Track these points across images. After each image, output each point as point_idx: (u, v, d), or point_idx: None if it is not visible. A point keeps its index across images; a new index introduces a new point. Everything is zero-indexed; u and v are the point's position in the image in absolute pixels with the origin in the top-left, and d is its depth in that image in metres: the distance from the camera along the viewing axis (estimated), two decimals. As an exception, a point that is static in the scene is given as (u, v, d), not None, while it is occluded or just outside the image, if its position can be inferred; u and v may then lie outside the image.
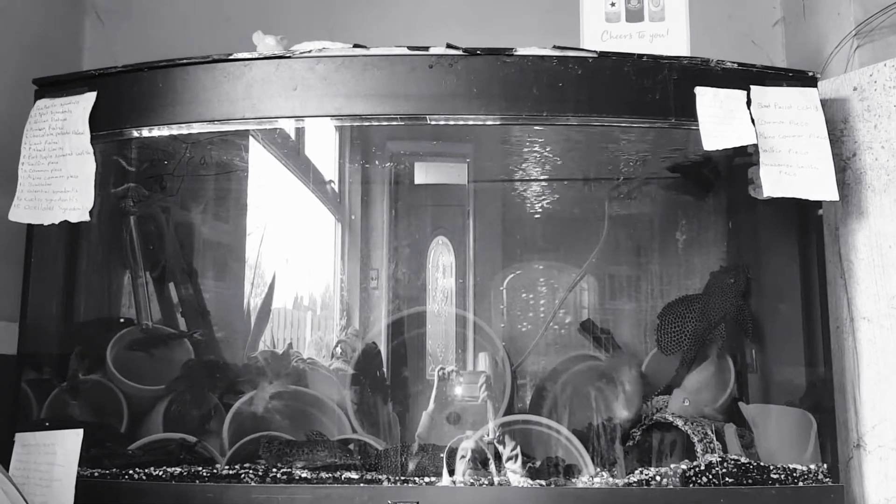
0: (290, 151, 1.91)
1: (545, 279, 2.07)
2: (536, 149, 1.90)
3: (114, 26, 2.21)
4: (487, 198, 2.09)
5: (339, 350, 1.93)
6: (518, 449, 1.58)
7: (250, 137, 1.80)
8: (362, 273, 2.00)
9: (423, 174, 1.96)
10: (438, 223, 2.04)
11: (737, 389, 1.77)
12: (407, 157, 1.95)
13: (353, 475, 1.52)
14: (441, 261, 1.99)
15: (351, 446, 1.67)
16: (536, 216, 2.10)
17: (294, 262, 2.03)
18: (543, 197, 2.10)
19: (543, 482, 1.52)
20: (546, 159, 1.95)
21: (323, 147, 1.97)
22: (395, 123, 1.57)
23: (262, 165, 1.89)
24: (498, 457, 1.58)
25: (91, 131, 1.57)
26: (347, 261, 2.01)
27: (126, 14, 2.23)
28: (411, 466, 1.58)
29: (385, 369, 1.85)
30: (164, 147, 1.82)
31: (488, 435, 1.63)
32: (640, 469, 1.53)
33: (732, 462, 1.51)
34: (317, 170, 1.98)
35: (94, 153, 1.57)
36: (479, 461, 1.57)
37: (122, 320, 1.86)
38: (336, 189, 2.03)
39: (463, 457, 1.57)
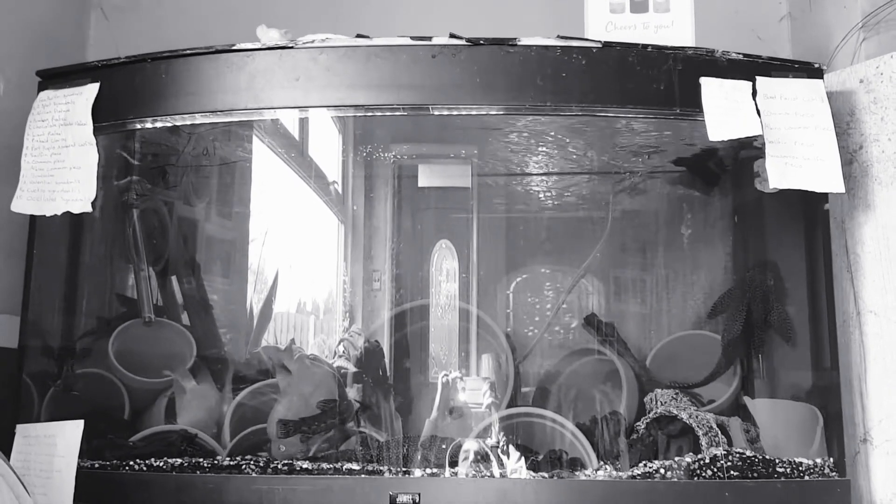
0: (294, 146, 1.91)
1: (550, 282, 2.06)
2: (542, 148, 1.90)
3: (118, 21, 2.21)
4: (491, 201, 2.08)
5: (341, 348, 1.92)
6: (522, 460, 1.55)
7: (253, 129, 1.79)
8: (365, 274, 1.99)
9: (427, 176, 1.95)
10: (442, 226, 2.02)
11: (742, 383, 1.75)
12: (410, 160, 1.94)
13: (355, 466, 1.51)
14: (444, 265, 1.98)
15: (353, 439, 1.65)
16: (541, 218, 2.09)
17: (297, 260, 2.02)
18: (548, 199, 2.09)
19: (546, 474, 1.51)
20: (550, 155, 1.94)
21: (327, 143, 1.96)
22: (398, 115, 1.57)
23: (264, 158, 1.89)
24: (500, 460, 1.56)
25: (94, 122, 1.57)
26: (350, 262, 2.00)
27: (131, 9, 2.23)
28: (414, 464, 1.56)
29: (387, 366, 1.84)
30: (166, 140, 1.82)
31: (491, 438, 1.61)
32: (644, 462, 1.52)
33: (737, 455, 1.49)
34: (319, 168, 1.97)
35: (98, 146, 1.57)
36: (482, 463, 1.54)
37: (123, 311, 1.86)
38: (339, 189, 2.02)
39: (465, 458, 1.55)
